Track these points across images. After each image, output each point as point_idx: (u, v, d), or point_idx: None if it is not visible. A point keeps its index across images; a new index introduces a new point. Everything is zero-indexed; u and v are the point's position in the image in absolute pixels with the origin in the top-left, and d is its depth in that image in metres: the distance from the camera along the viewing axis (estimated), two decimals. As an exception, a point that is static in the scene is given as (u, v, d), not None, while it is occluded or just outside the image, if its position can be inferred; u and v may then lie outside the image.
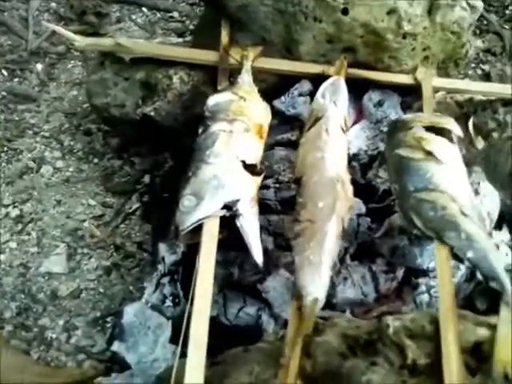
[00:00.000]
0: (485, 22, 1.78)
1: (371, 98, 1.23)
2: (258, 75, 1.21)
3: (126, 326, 1.01)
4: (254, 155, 1.00)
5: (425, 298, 0.99)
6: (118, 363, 1.01)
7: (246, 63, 1.21)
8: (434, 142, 0.97)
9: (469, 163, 1.01)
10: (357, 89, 1.20)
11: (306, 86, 1.24)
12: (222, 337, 0.87)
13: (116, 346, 1.00)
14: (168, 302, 1.04)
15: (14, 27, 1.74)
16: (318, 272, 0.81)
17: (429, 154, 0.95)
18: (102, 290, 1.20)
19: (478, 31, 1.75)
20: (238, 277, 1.00)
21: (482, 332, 0.70)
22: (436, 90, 1.21)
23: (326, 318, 0.83)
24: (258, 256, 0.88)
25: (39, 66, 1.67)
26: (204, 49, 1.27)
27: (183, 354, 0.77)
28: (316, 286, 0.79)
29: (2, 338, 1.09)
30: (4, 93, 1.59)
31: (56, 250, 1.26)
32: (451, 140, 0.99)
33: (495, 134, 1.18)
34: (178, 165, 1.29)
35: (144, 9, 1.86)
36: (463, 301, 0.98)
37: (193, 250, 0.94)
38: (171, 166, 1.33)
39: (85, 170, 1.42)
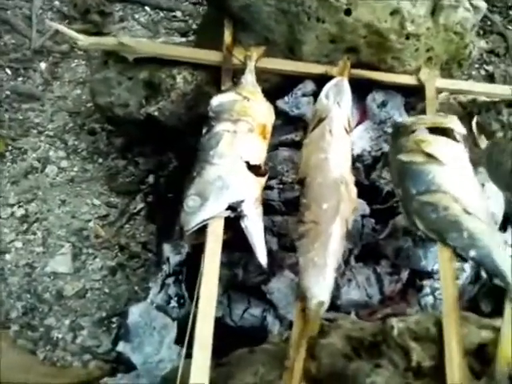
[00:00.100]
0: (488, 23, 1.78)
1: (375, 98, 1.23)
2: (262, 75, 1.21)
3: (131, 326, 1.02)
4: (258, 156, 1.01)
5: (429, 299, 0.99)
6: (123, 363, 1.02)
7: (249, 63, 1.21)
8: (435, 144, 0.97)
9: (474, 164, 1.00)
10: (360, 89, 1.21)
11: (309, 86, 1.24)
12: (226, 338, 0.87)
13: (121, 347, 1.01)
14: (173, 303, 1.04)
15: (18, 26, 1.75)
16: (322, 274, 0.82)
17: (429, 156, 0.95)
18: (107, 290, 1.21)
19: (481, 32, 1.75)
20: (243, 278, 1.00)
21: (486, 334, 0.71)
22: (439, 90, 1.21)
23: (330, 319, 0.84)
24: (262, 257, 0.89)
25: (43, 65, 1.67)
26: (207, 48, 1.27)
27: (188, 355, 0.77)
28: (320, 288, 0.80)
29: (9, 338, 1.10)
30: (8, 92, 1.59)
31: (61, 249, 1.27)
32: (455, 139, 0.99)
33: (499, 135, 1.18)
34: (182, 165, 1.30)
35: (147, 8, 1.86)
36: (468, 303, 0.98)
37: (197, 250, 0.95)
38: (175, 165, 1.33)
39: (89, 169, 1.43)
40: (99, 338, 1.13)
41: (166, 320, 1.02)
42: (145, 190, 1.38)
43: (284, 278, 0.99)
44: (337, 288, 0.89)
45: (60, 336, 1.13)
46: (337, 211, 0.89)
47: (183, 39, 1.64)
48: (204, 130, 1.05)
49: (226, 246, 0.90)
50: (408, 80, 1.23)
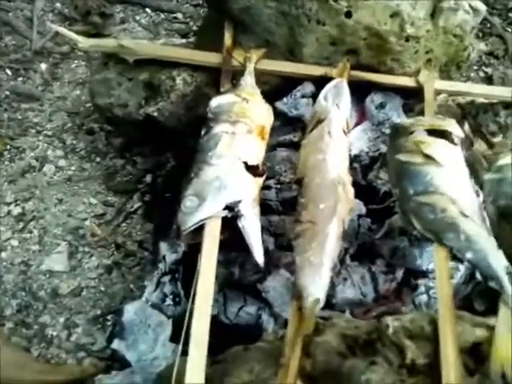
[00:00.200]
0: (488, 25, 1.79)
1: (373, 100, 1.24)
2: (261, 77, 1.22)
3: (126, 324, 1.01)
4: (256, 156, 1.01)
5: (424, 298, 0.99)
6: (118, 361, 1.01)
7: (248, 65, 1.21)
8: (434, 146, 0.97)
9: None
10: (359, 91, 1.21)
11: (308, 87, 1.24)
12: (221, 335, 0.87)
13: (116, 344, 1.01)
14: (168, 301, 1.04)
15: (19, 27, 1.75)
16: (318, 273, 0.82)
17: (428, 157, 0.95)
18: (102, 289, 1.21)
19: (480, 34, 1.75)
20: (239, 276, 1.00)
21: (481, 333, 0.71)
22: (438, 92, 1.22)
23: (325, 317, 0.84)
24: (259, 256, 0.89)
25: (43, 66, 1.67)
26: (207, 50, 1.28)
27: (183, 352, 0.77)
28: (316, 287, 0.80)
29: (3, 335, 1.10)
30: (8, 92, 1.59)
31: (57, 248, 1.27)
32: (453, 142, 1.00)
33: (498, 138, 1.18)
34: (180, 165, 1.30)
35: (148, 10, 1.87)
36: (462, 302, 0.98)
37: (194, 249, 0.95)
38: (173, 166, 1.33)
39: (87, 168, 1.43)
40: (94, 335, 1.13)
41: (161, 318, 1.01)
42: (142, 189, 1.38)
43: (280, 276, 0.99)
44: (332, 287, 0.89)
45: (54, 333, 1.13)
46: (334, 211, 0.89)
47: (183, 41, 1.65)
48: (203, 131, 1.05)
49: (223, 246, 0.90)
50: (407, 82, 1.24)
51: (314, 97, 1.19)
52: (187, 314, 0.81)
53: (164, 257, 1.07)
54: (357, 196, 0.98)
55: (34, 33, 1.73)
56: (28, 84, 1.63)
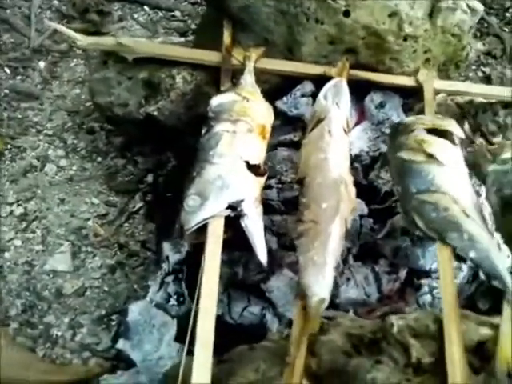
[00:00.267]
0: (485, 25, 1.79)
1: (373, 99, 1.24)
2: (261, 76, 1.22)
3: (131, 324, 1.02)
4: (258, 155, 1.01)
5: (427, 298, 1.00)
6: (123, 361, 1.02)
7: (248, 64, 1.21)
8: (436, 145, 0.98)
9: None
10: (358, 90, 1.22)
11: (308, 86, 1.25)
12: (226, 335, 0.88)
13: (121, 344, 1.01)
14: (172, 301, 1.05)
15: (17, 25, 1.75)
16: (322, 272, 0.83)
17: (430, 156, 0.96)
18: (106, 289, 1.22)
19: (478, 34, 1.76)
20: (242, 276, 1.01)
21: (485, 331, 0.72)
22: (437, 92, 1.22)
23: (329, 317, 0.85)
24: (262, 255, 0.90)
25: (42, 64, 1.67)
26: (206, 48, 1.28)
27: (189, 352, 0.78)
28: (320, 287, 0.81)
29: (8, 336, 1.10)
30: (7, 90, 1.59)
31: (60, 248, 1.27)
32: (453, 142, 1.01)
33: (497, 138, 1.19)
34: (181, 164, 1.30)
35: (146, 8, 1.86)
36: (465, 301, 0.99)
37: (197, 249, 0.96)
38: (174, 165, 1.34)
39: (88, 168, 1.43)
40: (98, 335, 1.14)
41: (166, 318, 1.02)
42: (144, 189, 1.38)
43: (283, 276, 1.00)
44: (335, 287, 0.90)
45: (59, 333, 1.14)
46: (336, 211, 0.90)
47: (182, 39, 1.64)
48: (203, 130, 1.06)
49: (227, 246, 0.90)
50: (406, 81, 1.24)
51: (314, 96, 1.19)
52: (192, 314, 0.82)
53: (167, 257, 1.08)
54: (358, 196, 0.99)
55: (32, 31, 1.73)
56: (27, 82, 1.63)
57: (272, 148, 1.16)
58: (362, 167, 1.16)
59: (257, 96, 1.13)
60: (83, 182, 1.40)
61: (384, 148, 1.16)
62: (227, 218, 0.91)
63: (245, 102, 1.09)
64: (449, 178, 0.94)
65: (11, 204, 1.35)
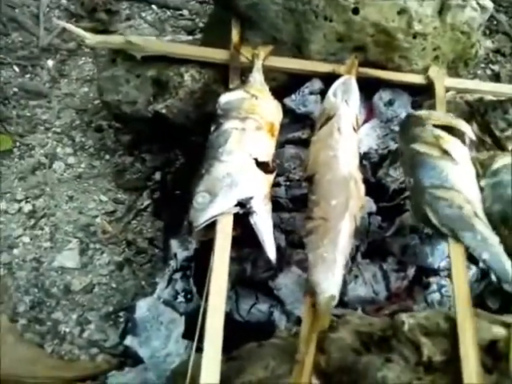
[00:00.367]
0: (494, 23, 1.79)
1: (382, 97, 1.24)
2: (269, 74, 1.22)
3: (138, 320, 1.02)
4: (267, 153, 1.01)
5: (436, 296, 0.99)
6: (130, 357, 1.02)
7: (256, 62, 1.21)
8: (451, 143, 0.98)
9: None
10: (367, 88, 1.21)
11: (316, 84, 1.24)
12: (234, 333, 0.87)
13: (129, 341, 1.01)
14: (180, 298, 1.05)
15: (25, 24, 1.75)
16: (331, 269, 0.82)
17: (445, 152, 0.96)
18: (114, 285, 1.22)
19: (487, 31, 1.75)
20: (250, 273, 1.01)
21: (498, 330, 0.71)
22: (447, 89, 1.22)
23: (338, 315, 0.84)
24: (271, 253, 0.89)
25: (50, 63, 1.68)
26: (213, 47, 1.28)
27: (197, 350, 0.78)
28: (330, 284, 0.80)
29: (17, 332, 1.11)
30: (15, 89, 1.60)
31: (69, 245, 1.27)
32: (464, 142, 1.00)
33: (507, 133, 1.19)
34: (189, 162, 1.30)
35: (154, 6, 1.87)
36: (474, 300, 0.97)
37: (205, 246, 0.96)
38: (182, 163, 1.34)
39: (96, 166, 1.44)
40: (106, 332, 1.14)
41: (174, 315, 1.02)
42: (152, 186, 1.38)
43: (291, 274, 1.00)
44: (343, 284, 0.89)
45: (67, 330, 1.14)
46: (346, 208, 0.90)
47: (190, 37, 1.65)
48: (212, 128, 1.05)
49: (235, 243, 0.90)
50: (415, 79, 1.24)
51: (323, 94, 1.19)
52: (201, 311, 0.82)
53: (175, 254, 1.08)
54: (366, 193, 0.98)
55: (41, 29, 1.74)
56: (36, 81, 1.63)
57: (280, 146, 1.15)
58: (371, 165, 1.15)
59: (265, 94, 1.13)
60: (91, 180, 1.41)
61: (393, 146, 1.15)
62: (236, 216, 0.91)
63: (253, 100, 1.09)
64: (462, 177, 0.94)
65: (20, 201, 1.35)
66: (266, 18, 1.24)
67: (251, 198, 0.92)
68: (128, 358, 1.03)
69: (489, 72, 1.67)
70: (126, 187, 1.39)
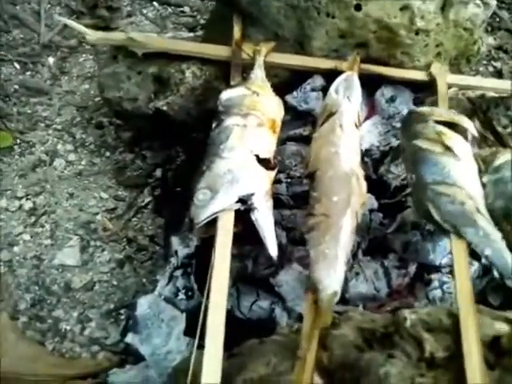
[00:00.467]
0: (497, 19, 1.78)
1: (384, 93, 1.23)
2: (271, 70, 1.22)
3: (139, 317, 1.02)
4: (268, 149, 1.01)
5: (437, 293, 0.99)
6: (131, 355, 1.02)
7: (258, 58, 1.21)
8: (454, 139, 0.97)
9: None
10: (369, 85, 1.21)
11: (318, 81, 1.24)
12: (235, 330, 0.87)
13: (130, 338, 1.01)
14: (181, 295, 1.04)
15: (26, 20, 1.75)
16: (333, 266, 0.82)
17: (447, 149, 0.96)
18: (115, 283, 1.21)
19: (489, 28, 1.74)
20: (251, 270, 1.00)
21: (501, 326, 0.71)
22: (449, 86, 1.21)
23: (339, 312, 0.84)
24: (272, 249, 0.89)
25: (51, 60, 1.67)
26: (215, 43, 1.27)
27: (198, 347, 0.78)
28: (332, 280, 0.80)
29: (17, 329, 1.10)
30: (16, 86, 1.59)
31: (69, 242, 1.27)
32: (466, 138, 1.00)
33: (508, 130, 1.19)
34: (190, 159, 1.30)
35: (155, 3, 1.86)
36: (476, 296, 0.97)
37: (206, 243, 0.95)
38: (183, 160, 1.34)
39: (97, 163, 1.43)
40: (107, 329, 1.13)
41: (175, 312, 1.02)
42: (152, 183, 1.38)
43: (292, 270, 0.99)
44: (345, 281, 0.89)
45: (68, 328, 1.14)
46: (348, 204, 0.90)
47: (191, 34, 1.65)
48: (213, 124, 1.05)
49: (236, 239, 0.90)
50: (417, 75, 1.23)
51: (324, 90, 1.19)
52: (202, 308, 0.81)
53: (176, 251, 1.07)
54: (368, 190, 0.98)
55: (42, 26, 1.73)
56: (36, 78, 1.63)
57: (281, 142, 1.15)
58: (372, 162, 1.15)
59: (267, 90, 1.13)
60: (92, 177, 1.40)
61: (394, 142, 1.15)
62: (237, 212, 0.91)
63: (255, 97, 1.09)
64: (464, 173, 0.94)
65: (20, 198, 1.35)
66: (268, 14, 1.23)
67: (252, 194, 0.92)
68: (129, 356, 1.03)
69: (491, 69, 1.66)
70: (127, 184, 1.39)
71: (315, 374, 0.71)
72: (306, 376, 0.70)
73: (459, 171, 0.93)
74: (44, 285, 1.20)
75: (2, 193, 1.36)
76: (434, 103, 1.17)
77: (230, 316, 0.95)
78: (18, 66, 1.65)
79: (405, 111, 1.20)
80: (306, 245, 0.89)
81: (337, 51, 1.24)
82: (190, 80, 1.27)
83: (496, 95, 1.24)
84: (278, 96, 1.13)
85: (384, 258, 1.02)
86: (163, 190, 1.35)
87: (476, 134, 1.04)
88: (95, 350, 1.10)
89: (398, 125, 1.16)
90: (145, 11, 1.83)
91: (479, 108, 1.22)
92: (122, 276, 1.22)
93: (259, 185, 0.94)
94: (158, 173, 1.39)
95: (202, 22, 1.78)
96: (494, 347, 0.70)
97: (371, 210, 1.06)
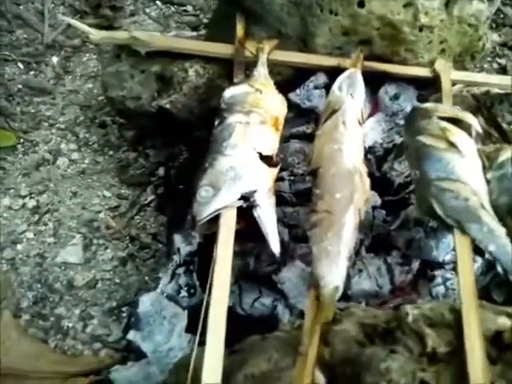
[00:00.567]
0: (501, 16, 1.77)
1: (387, 91, 1.23)
2: (274, 68, 1.22)
3: (141, 315, 1.01)
4: (271, 147, 1.01)
5: (441, 289, 0.98)
6: (133, 352, 1.02)
7: (261, 56, 1.21)
8: (458, 135, 0.97)
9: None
10: (373, 82, 1.20)
11: (321, 78, 1.24)
12: (237, 327, 0.87)
13: (132, 335, 1.00)
14: (183, 293, 1.04)
15: (30, 20, 1.76)
16: (335, 262, 0.82)
17: (451, 145, 0.95)
18: (117, 281, 1.21)
19: (494, 25, 1.73)
20: (254, 267, 1.00)
21: (503, 321, 0.70)
22: (453, 82, 1.21)
23: (341, 309, 0.83)
24: (275, 246, 0.89)
25: (55, 59, 1.67)
26: (218, 42, 1.27)
27: (200, 343, 0.77)
28: (334, 276, 0.80)
29: (20, 327, 1.11)
30: (20, 85, 1.60)
31: (72, 240, 1.27)
32: (470, 134, 1.00)
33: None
34: (193, 157, 1.30)
35: (158, 2, 1.86)
36: (479, 293, 0.96)
37: (208, 240, 0.95)
38: (186, 158, 1.34)
39: (100, 162, 1.43)
40: (109, 327, 1.13)
41: (177, 309, 1.01)
42: (155, 182, 1.38)
43: (295, 267, 0.99)
44: (347, 278, 0.88)
45: (70, 325, 1.13)
46: (350, 201, 0.89)
47: (194, 33, 1.64)
48: (216, 122, 1.05)
49: (238, 236, 0.89)
50: (421, 72, 1.23)
51: (327, 88, 1.18)
52: (204, 304, 0.81)
53: (178, 249, 1.07)
54: (371, 188, 0.97)
55: (46, 26, 1.74)
56: (40, 77, 1.63)
57: (284, 140, 1.15)
58: (376, 159, 1.14)
59: (270, 88, 1.13)
60: (95, 175, 1.40)
61: (398, 140, 1.14)
62: (240, 209, 0.91)
63: (258, 94, 1.09)
64: (468, 169, 0.93)
65: (24, 197, 1.35)
66: (271, 11, 1.23)
67: (255, 191, 0.91)
68: (131, 353, 1.03)
69: (495, 66, 1.65)
70: (130, 183, 1.39)
71: (316, 370, 0.70)
72: (307, 371, 0.69)
73: (463, 167, 0.93)
74: (47, 283, 1.20)
75: (5, 191, 1.36)
76: (438, 100, 1.16)
77: (233, 313, 0.95)
78: (21, 65, 1.65)
79: (408, 108, 1.19)
80: (308, 242, 0.89)
81: (340, 48, 1.23)
82: (193, 78, 1.27)
83: (500, 92, 1.23)
84: (281, 93, 1.13)
85: (387, 254, 1.01)
86: (166, 189, 1.35)
87: (480, 131, 1.03)
88: (97, 348, 1.10)
89: (402, 122, 1.16)
90: (148, 10, 1.83)
91: (483, 104, 1.21)
92: (125, 274, 1.22)
93: (262, 182, 0.94)
94: (161, 171, 1.39)
95: (205, 20, 1.78)
96: (496, 342, 0.70)
97: (374, 207, 1.06)
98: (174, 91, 1.28)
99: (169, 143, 1.39)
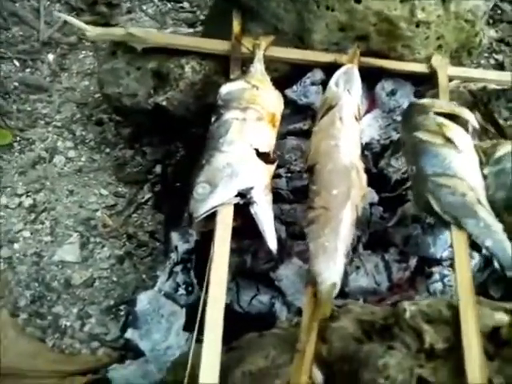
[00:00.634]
0: (498, 12, 1.77)
1: (384, 87, 1.23)
2: (270, 64, 1.21)
3: (139, 313, 1.01)
4: (268, 143, 1.00)
5: (438, 286, 0.98)
6: (131, 350, 1.01)
7: (258, 52, 1.20)
8: (455, 130, 0.97)
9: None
10: (370, 78, 1.20)
11: (318, 74, 1.23)
12: (234, 324, 0.86)
13: (130, 334, 1.00)
14: (181, 291, 1.04)
15: (26, 18, 1.75)
16: (333, 259, 0.81)
17: (448, 140, 0.95)
18: (115, 279, 1.21)
19: (491, 21, 1.73)
20: (251, 265, 1.00)
21: (501, 316, 0.70)
22: (450, 78, 1.21)
23: (339, 305, 0.83)
24: (272, 243, 0.88)
25: (51, 57, 1.67)
26: (214, 39, 1.27)
27: (198, 341, 0.77)
28: (331, 273, 0.80)
29: (18, 326, 1.10)
30: (16, 83, 1.59)
31: (69, 239, 1.27)
32: (467, 130, 0.99)
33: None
34: (190, 154, 1.29)
35: (154, -1, 1.86)
36: (477, 289, 0.96)
37: (206, 238, 0.95)
38: (183, 155, 1.33)
39: (97, 159, 1.43)
40: (107, 325, 1.13)
41: (174, 307, 1.01)
42: (152, 179, 1.38)
43: (292, 265, 0.98)
44: (345, 275, 0.88)
45: (68, 324, 1.13)
46: (347, 197, 0.89)
47: (190, 30, 1.64)
48: (213, 119, 1.05)
49: (235, 234, 0.89)
50: (418, 68, 1.22)
51: (324, 84, 1.18)
52: (201, 302, 0.81)
53: (176, 247, 1.07)
54: (368, 184, 0.97)
55: (42, 23, 1.73)
56: (36, 75, 1.63)
57: (281, 137, 1.15)
58: (373, 155, 1.14)
59: (266, 84, 1.12)
60: (92, 173, 1.40)
61: (395, 136, 1.14)
62: (236, 206, 0.90)
63: (254, 90, 1.08)
64: (465, 164, 0.93)
65: (20, 195, 1.35)
66: (268, 8, 1.23)
67: (252, 188, 0.91)
68: (129, 351, 1.03)
69: (492, 61, 1.65)
70: (127, 180, 1.39)
71: (314, 367, 0.70)
72: (304, 368, 0.69)
73: (460, 163, 0.93)
74: (44, 281, 1.20)
75: (1, 190, 1.35)
76: (435, 96, 1.15)
77: (230, 311, 0.94)
78: (17, 63, 1.64)
79: (405, 105, 1.19)
80: (305, 239, 0.89)
81: (337, 44, 1.23)
82: (190, 75, 1.26)
83: (497, 87, 1.23)
84: (278, 90, 1.13)
85: (384, 251, 1.01)
86: (163, 186, 1.35)
87: (477, 126, 1.03)
88: (95, 346, 1.10)
89: (399, 118, 1.16)
90: (144, 7, 1.83)
91: (480, 100, 1.21)
92: (122, 272, 1.22)
93: (258, 179, 0.94)
94: (158, 169, 1.39)
95: (202, 17, 1.77)
96: (493, 338, 0.70)
97: (371, 204, 1.05)
98: (171, 88, 1.27)
99: (165, 140, 1.38)
